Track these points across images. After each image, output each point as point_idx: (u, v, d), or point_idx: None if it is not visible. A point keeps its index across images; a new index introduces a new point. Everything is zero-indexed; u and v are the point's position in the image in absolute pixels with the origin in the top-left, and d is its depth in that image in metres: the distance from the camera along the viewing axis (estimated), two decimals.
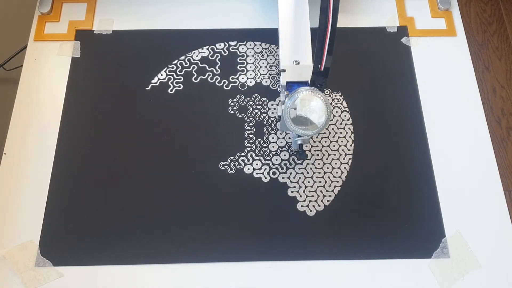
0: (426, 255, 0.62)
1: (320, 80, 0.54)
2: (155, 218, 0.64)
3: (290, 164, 0.68)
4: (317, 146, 0.69)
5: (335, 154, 0.68)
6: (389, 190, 0.66)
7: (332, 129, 0.70)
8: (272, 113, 0.71)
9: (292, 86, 0.57)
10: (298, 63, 0.59)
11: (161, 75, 0.74)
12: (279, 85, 0.57)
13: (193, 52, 0.76)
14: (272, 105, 0.72)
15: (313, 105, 0.53)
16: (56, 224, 0.64)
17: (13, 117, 0.71)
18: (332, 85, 0.73)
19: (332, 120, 0.70)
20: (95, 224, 0.64)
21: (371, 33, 0.77)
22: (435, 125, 0.70)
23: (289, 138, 0.69)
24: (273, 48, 0.76)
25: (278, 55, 0.75)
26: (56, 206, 0.65)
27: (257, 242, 0.63)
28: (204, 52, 0.76)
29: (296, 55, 0.60)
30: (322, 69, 0.52)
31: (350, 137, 0.69)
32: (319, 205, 0.65)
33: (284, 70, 0.58)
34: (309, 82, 0.56)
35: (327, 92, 0.72)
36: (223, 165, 0.67)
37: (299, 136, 0.58)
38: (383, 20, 0.79)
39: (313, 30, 0.58)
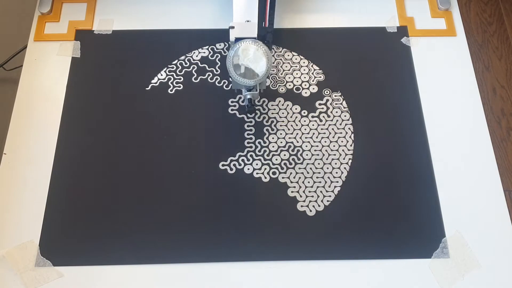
0: (426, 255, 0.62)
1: (267, 36, 0.56)
2: (155, 218, 0.64)
3: (290, 164, 0.68)
4: (317, 146, 0.69)
5: (335, 154, 0.68)
6: (389, 190, 0.66)
7: (332, 129, 0.70)
8: (272, 113, 0.71)
9: None
10: (250, 22, 0.60)
11: (161, 75, 0.74)
12: (230, 43, 0.60)
13: (193, 52, 0.76)
14: (272, 105, 0.72)
15: (253, 55, 0.56)
16: (56, 224, 0.64)
17: (13, 117, 0.71)
18: (332, 85, 0.73)
19: (332, 120, 0.70)
20: (95, 224, 0.63)
21: (371, 33, 0.77)
22: (435, 125, 0.70)
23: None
24: (273, 48, 0.76)
25: (278, 55, 0.75)
26: (56, 206, 0.65)
27: (257, 242, 0.63)
28: (204, 52, 0.76)
29: (249, 15, 0.61)
30: (267, 24, 0.54)
31: (350, 137, 0.69)
32: (319, 205, 0.65)
33: (233, 27, 0.59)
34: (256, 38, 0.58)
35: (328, 94, 0.73)
36: (223, 165, 0.67)
37: (249, 90, 0.60)
38: (383, 20, 0.79)
39: None
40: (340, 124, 0.70)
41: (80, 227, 0.63)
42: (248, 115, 0.63)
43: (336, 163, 0.68)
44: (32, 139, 0.69)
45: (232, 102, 0.72)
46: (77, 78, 0.74)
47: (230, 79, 0.60)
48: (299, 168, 0.67)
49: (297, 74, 0.74)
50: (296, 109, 0.71)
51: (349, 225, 0.64)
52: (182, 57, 0.75)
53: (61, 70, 0.74)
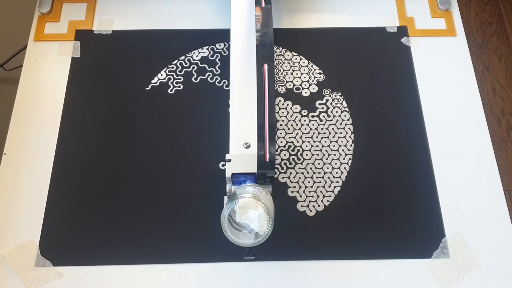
0: (426, 255, 0.62)
1: (268, 172, 0.49)
2: (155, 218, 0.64)
3: (290, 164, 0.67)
4: (317, 146, 0.69)
5: (335, 154, 0.68)
6: (389, 190, 0.66)
7: (332, 129, 0.70)
8: None
9: (238, 177, 0.52)
10: (249, 146, 0.53)
11: (161, 75, 0.74)
12: (226, 179, 0.53)
13: (193, 52, 0.76)
14: None
15: (253, 214, 0.49)
16: (56, 224, 0.63)
17: (13, 117, 0.71)
18: (332, 85, 0.73)
19: (332, 120, 0.70)
20: (95, 224, 0.63)
21: (371, 33, 0.77)
22: (435, 125, 0.70)
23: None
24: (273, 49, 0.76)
25: (278, 55, 0.75)
26: (56, 206, 0.65)
27: None
28: (204, 52, 0.76)
29: (247, 137, 0.54)
30: (267, 159, 0.48)
31: (350, 137, 0.69)
32: (319, 205, 0.65)
33: (229, 160, 0.52)
34: (256, 174, 0.51)
35: (328, 93, 0.73)
36: (223, 165, 0.67)
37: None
38: (383, 20, 0.79)
39: None
40: (340, 124, 0.70)
41: (80, 227, 0.63)
42: (245, 256, 0.55)
43: (336, 163, 0.68)
44: (32, 139, 0.69)
45: None
46: (77, 78, 0.74)
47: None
48: (299, 168, 0.67)
49: (297, 74, 0.74)
50: (296, 108, 0.71)
51: (349, 225, 0.64)
52: (182, 57, 0.75)
53: (61, 70, 0.74)
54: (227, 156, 0.53)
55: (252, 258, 0.54)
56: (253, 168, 0.51)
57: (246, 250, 0.53)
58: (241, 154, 0.53)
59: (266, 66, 0.49)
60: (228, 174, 0.52)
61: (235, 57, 0.60)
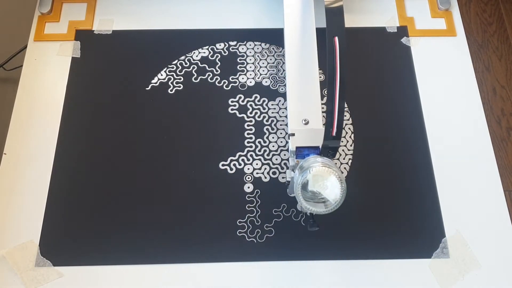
0: (426, 255, 0.62)
1: (332, 145, 0.50)
2: (155, 218, 0.64)
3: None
4: None
5: None
6: (389, 190, 0.66)
7: None
8: (272, 112, 0.71)
9: (302, 151, 0.54)
10: (307, 123, 0.56)
11: (161, 75, 0.74)
12: (290, 152, 0.55)
13: (193, 52, 0.76)
14: (272, 104, 0.72)
15: (325, 181, 0.50)
16: (56, 224, 0.63)
17: (13, 117, 0.71)
18: None
19: None
20: (95, 224, 0.63)
21: (371, 33, 0.77)
22: (435, 125, 0.70)
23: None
24: (273, 48, 0.76)
25: (278, 55, 0.75)
26: (56, 206, 0.65)
27: (257, 242, 0.63)
28: (204, 52, 0.76)
29: (305, 113, 0.56)
30: (334, 133, 0.48)
31: (350, 137, 0.69)
32: None
33: (293, 134, 0.54)
34: (320, 147, 0.52)
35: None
36: (223, 165, 0.67)
37: None
38: (383, 20, 0.79)
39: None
40: None
41: (80, 227, 0.63)
42: (309, 227, 0.55)
43: (336, 163, 0.67)
44: (32, 139, 0.69)
45: (232, 102, 0.72)
46: (77, 78, 0.74)
47: (289, 188, 0.53)
48: None
49: None
50: None
51: (349, 225, 0.64)
52: (182, 57, 0.75)
53: (61, 70, 0.74)
54: (290, 130, 0.55)
55: (316, 229, 0.55)
56: (316, 141, 0.53)
57: (311, 221, 0.55)
58: (304, 129, 0.55)
59: (337, 38, 0.49)
60: (292, 147, 0.54)
61: (289, 38, 0.62)
